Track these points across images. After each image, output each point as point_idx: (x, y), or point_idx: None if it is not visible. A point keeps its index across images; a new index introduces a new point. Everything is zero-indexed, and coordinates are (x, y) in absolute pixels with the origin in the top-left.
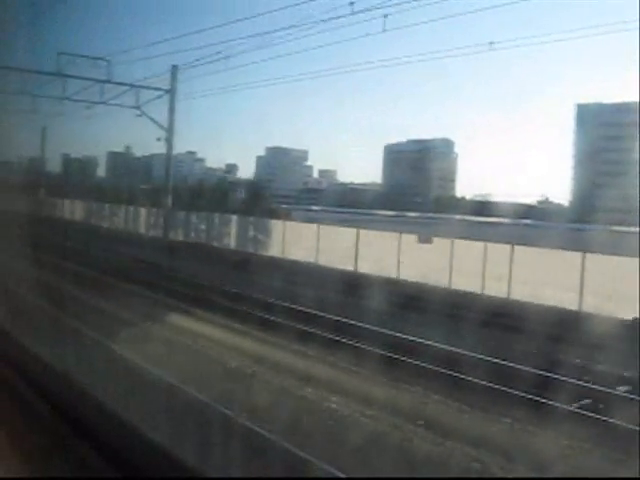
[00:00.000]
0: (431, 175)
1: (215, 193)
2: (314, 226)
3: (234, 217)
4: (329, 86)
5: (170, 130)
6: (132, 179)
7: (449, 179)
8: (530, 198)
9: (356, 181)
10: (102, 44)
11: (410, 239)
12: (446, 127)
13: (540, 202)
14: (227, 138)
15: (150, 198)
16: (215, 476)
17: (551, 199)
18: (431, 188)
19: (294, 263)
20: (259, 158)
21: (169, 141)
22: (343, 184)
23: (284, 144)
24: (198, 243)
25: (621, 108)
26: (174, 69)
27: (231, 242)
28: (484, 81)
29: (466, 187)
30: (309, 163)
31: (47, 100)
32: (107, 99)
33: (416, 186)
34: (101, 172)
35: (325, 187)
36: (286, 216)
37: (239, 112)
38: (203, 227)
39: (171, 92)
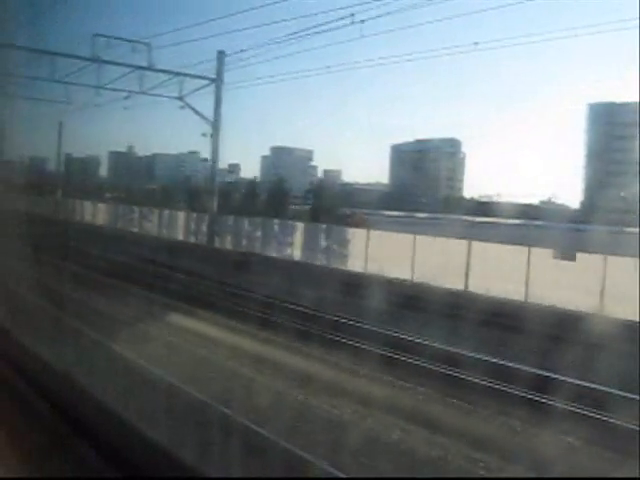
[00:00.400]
0: (438, 175)
1: (266, 196)
2: (410, 237)
3: (299, 224)
4: (332, 84)
5: (216, 125)
6: (141, 179)
7: (457, 179)
8: (536, 198)
9: (361, 181)
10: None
11: (538, 253)
12: (453, 126)
13: (543, 202)
14: (228, 137)
15: (187, 201)
16: (215, 476)
17: (553, 199)
18: (438, 188)
19: (389, 282)
20: (264, 158)
21: (215, 137)
22: (348, 184)
23: (288, 144)
24: (255, 253)
25: (633, 108)
26: (220, 55)
27: (296, 253)
28: (488, 80)
29: (474, 187)
30: (314, 163)
31: (76, 89)
32: (146, 89)
33: (423, 186)
34: (125, 172)
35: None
36: (363, 223)
37: (240, 110)
38: (258, 234)
39: (217, 81)
